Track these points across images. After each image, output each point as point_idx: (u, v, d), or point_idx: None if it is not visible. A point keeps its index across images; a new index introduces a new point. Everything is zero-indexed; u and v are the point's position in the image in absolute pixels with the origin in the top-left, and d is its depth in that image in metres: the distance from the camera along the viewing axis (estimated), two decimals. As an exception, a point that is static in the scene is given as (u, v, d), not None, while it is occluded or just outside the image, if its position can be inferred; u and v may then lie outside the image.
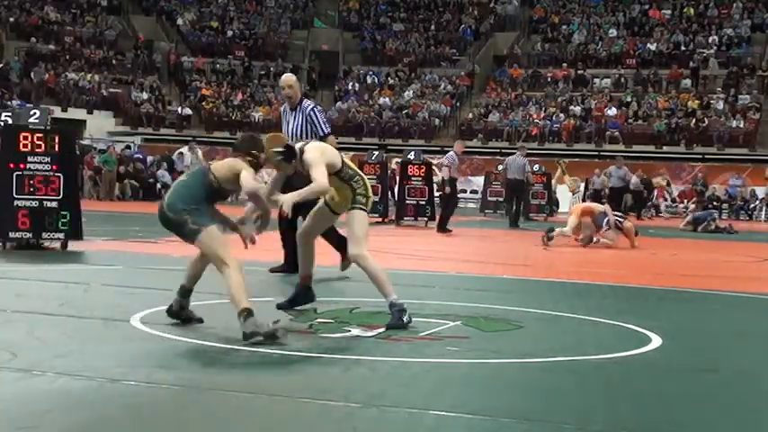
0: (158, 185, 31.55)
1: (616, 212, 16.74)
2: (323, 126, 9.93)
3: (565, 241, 16.12)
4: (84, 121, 37.93)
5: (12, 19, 42.09)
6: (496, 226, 23.02)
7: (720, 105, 38.37)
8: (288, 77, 10.13)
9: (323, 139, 9.66)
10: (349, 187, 6.74)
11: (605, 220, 16.19)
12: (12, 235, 11.54)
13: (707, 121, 37.49)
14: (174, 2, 47.96)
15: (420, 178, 21.27)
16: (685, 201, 33.08)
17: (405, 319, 6.59)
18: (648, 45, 42.42)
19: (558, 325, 7.37)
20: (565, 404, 4.73)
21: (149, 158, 32.88)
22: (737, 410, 4.83)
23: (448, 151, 20.64)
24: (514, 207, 22.47)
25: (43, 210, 11.56)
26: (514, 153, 22.70)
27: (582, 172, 30.61)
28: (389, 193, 23.59)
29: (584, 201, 24.22)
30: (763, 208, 32.64)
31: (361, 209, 6.73)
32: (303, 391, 4.79)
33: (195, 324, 6.45)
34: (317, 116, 9.91)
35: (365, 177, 6.95)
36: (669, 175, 34.38)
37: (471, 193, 36.46)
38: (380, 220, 21.48)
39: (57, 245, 11.87)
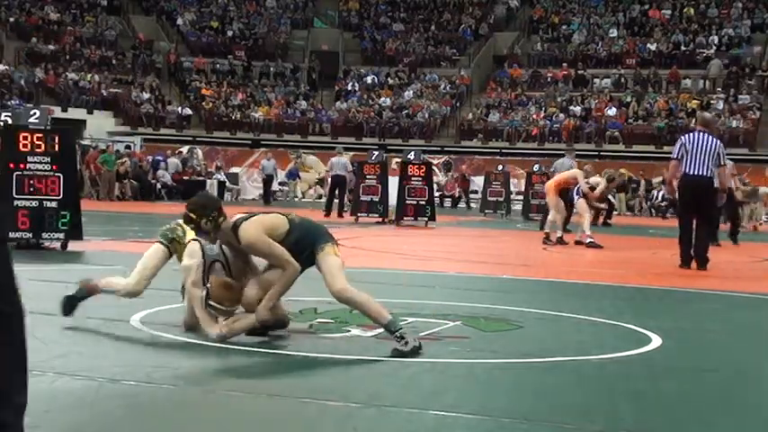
0: (158, 185, 31.54)
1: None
2: None
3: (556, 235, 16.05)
4: (84, 121, 37.93)
5: (12, 19, 42.11)
6: (496, 226, 23.02)
7: (720, 105, 38.37)
8: None
9: None
10: None
11: (576, 189, 16.12)
12: (12, 235, 11.54)
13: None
14: (174, 2, 47.97)
15: (420, 178, 21.26)
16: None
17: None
18: (648, 45, 42.42)
19: (558, 325, 7.36)
20: (565, 404, 4.73)
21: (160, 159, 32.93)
22: (737, 410, 4.83)
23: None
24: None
25: (43, 210, 11.56)
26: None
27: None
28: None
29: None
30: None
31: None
32: (303, 391, 4.79)
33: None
34: None
35: None
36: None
37: (471, 193, 36.47)
38: (380, 220, 21.50)
39: (57, 245, 11.87)
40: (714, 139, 12.31)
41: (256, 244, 5.78)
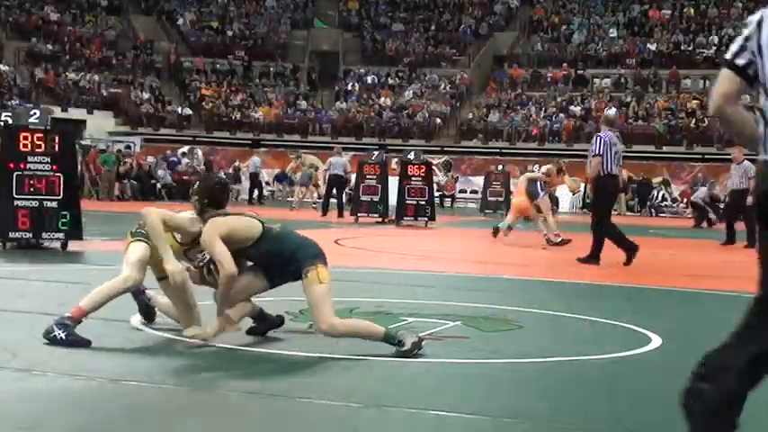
0: (158, 185, 31.52)
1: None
2: None
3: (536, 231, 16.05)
4: (84, 121, 37.93)
5: (12, 19, 42.11)
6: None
7: (720, 105, 38.37)
8: None
9: None
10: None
11: (537, 186, 16.04)
12: (12, 235, 11.54)
13: (707, 121, 37.52)
14: (174, 2, 47.97)
15: (420, 178, 21.26)
16: (685, 200, 33.06)
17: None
18: (648, 45, 42.42)
19: (558, 325, 7.37)
20: (565, 404, 4.73)
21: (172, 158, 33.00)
22: (737, 410, 4.83)
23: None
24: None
25: (43, 210, 11.56)
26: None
27: (582, 172, 30.57)
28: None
29: (584, 201, 24.12)
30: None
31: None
32: (303, 391, 4.79)
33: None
34: None
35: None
36: (669, 175, 34.47)
37: (471, 193, 36.46)
38: (380, 220, 21.51)
39: (57, 245, 11.87)
40: (619, 139, 12.93)
41: (204, 240, 5.78)
